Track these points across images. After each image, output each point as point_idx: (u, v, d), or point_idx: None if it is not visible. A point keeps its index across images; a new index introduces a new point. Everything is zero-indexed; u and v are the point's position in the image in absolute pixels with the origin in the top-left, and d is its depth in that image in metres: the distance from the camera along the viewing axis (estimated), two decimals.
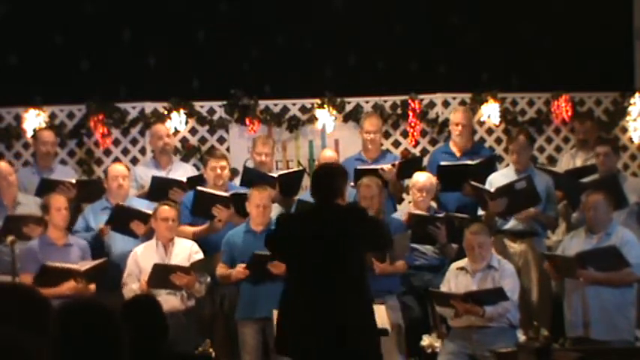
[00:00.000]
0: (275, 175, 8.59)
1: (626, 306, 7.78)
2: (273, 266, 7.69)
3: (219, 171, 8.38)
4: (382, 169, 8.60)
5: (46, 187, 8.34)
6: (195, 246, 7.94)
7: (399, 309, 7.95)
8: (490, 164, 8.85)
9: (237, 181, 8.93)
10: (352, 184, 8.48)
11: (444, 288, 7.78)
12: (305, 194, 8.82)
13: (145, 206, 8.17)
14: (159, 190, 8.42)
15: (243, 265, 7.79)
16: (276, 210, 8.43)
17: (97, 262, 7.77)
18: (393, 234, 7.47)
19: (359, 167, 8.56)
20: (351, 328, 5.94)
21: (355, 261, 6.09)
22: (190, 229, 8.24)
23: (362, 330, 6.01)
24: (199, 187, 8.19)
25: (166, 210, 7.87)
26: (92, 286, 7.67)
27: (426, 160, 9.28)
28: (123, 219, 8.09)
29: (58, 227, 7.86)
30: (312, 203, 6.46)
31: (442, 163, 8.70)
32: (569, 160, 9.27)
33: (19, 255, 7.72)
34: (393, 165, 8.69)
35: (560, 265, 7.96)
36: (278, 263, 7.69)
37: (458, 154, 9.03)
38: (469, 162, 8.68)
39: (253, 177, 8.42)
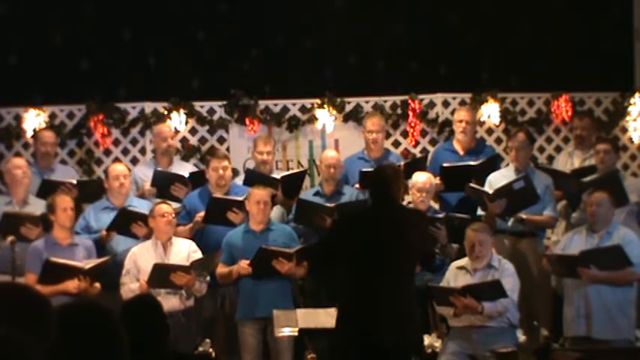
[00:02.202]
0: (278, 177, 8.57)
1: (627, 305, 7.78)
2: (278, 262, 7.69)
3: (221, 171, 8.32)
4: None
5: (47, 188, 8.34)
6: (193, 245, 7.91)
7: None
8: (492, 163, 8.83)
9: (237, 180, 8.91)
10: (357, 185, 8.50)
11: None
12: (305, 193, 8.82)
13: (146, 207, 8.16)
14: (160, 184, 8.41)
15: (247, 262, 7.77)
16: (276, 211, 8.42)
17: (100, 260, 7.76)
18: None
19: (364, 170, 8.53)
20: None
21: (407, 262, 6.31)
22: (186, 227, 8.22)
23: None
24: (214, 195, 8.16)
25: (164, 207, 7.85)
26: (97, 285, 7.66)
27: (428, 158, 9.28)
28: (125, 221, 8.08)
29: (63, 227, 7.82)
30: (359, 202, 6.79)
31: (445, 164, 8.68)
32: (567, 159, 9.24)
33: (23, 254, 7.72)
34: (399, 166, 8.68)
35: (556, 265, 7.96)
36: (283, 260, 7.70)
37: (461, 153, 9.02)
38: (472, 162, 8.67)
39: (256, 179, 8.39)
